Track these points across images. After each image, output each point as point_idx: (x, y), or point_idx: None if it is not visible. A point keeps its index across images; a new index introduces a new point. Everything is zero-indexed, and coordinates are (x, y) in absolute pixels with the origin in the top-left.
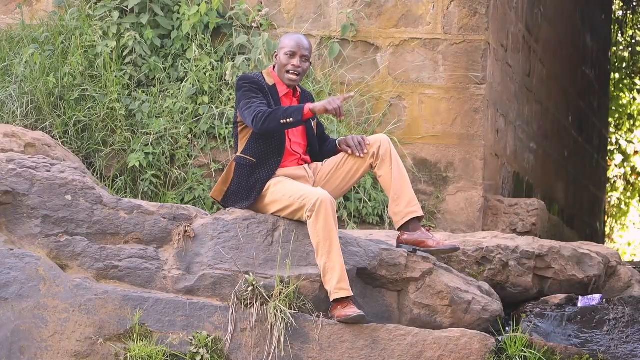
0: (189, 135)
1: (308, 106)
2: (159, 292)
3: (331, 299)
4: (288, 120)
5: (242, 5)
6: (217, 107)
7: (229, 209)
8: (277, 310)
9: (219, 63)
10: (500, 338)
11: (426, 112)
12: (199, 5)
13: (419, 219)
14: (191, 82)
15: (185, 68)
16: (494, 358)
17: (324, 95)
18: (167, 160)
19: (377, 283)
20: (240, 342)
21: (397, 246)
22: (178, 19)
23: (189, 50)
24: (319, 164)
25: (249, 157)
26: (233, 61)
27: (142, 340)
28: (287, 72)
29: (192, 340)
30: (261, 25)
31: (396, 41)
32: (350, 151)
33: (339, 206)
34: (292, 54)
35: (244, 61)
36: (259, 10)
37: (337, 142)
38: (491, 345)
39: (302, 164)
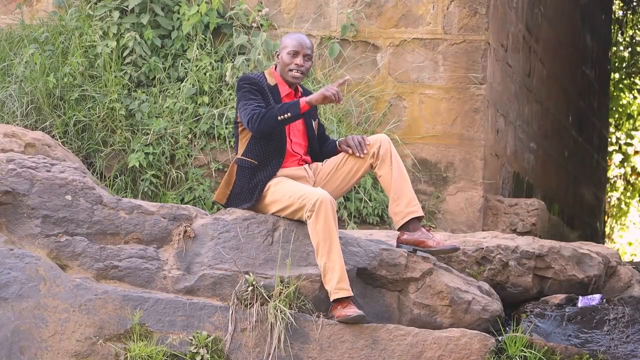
0: (189, 135)
1: (304, 99)
2: (159, 292)
3: (331, 299)
4: (285, 115)
5: (242, 5)
6: (217, 107)
7: (229, 208)
8: (277, 310)
9: (219, 63)
10: (500, 338)
11: (426, 112)
12: (199, 5)
13: (419, 219)
14: (191, 82)
15: (185, 68)
16: (494, 358)
17: None
18: (167, 160)
19: (377, 283)
20: (240, 342)
21: (397, 246)
22: (178, 19)
23: (189, 50)
24: (319, 164)
25: (250, 159)
26: (233, 61)
27: (142, 341)
28: (291, 70)
29: (192, 340)
30: (261, 25)
31: (396, 41)
32: (350, 151)
33: (339, 206)
34: (295, 53)
35: (243, 61)
36: (259, 10)
37: (337, 142)
38: (491, 345)
39: (302, 165)
